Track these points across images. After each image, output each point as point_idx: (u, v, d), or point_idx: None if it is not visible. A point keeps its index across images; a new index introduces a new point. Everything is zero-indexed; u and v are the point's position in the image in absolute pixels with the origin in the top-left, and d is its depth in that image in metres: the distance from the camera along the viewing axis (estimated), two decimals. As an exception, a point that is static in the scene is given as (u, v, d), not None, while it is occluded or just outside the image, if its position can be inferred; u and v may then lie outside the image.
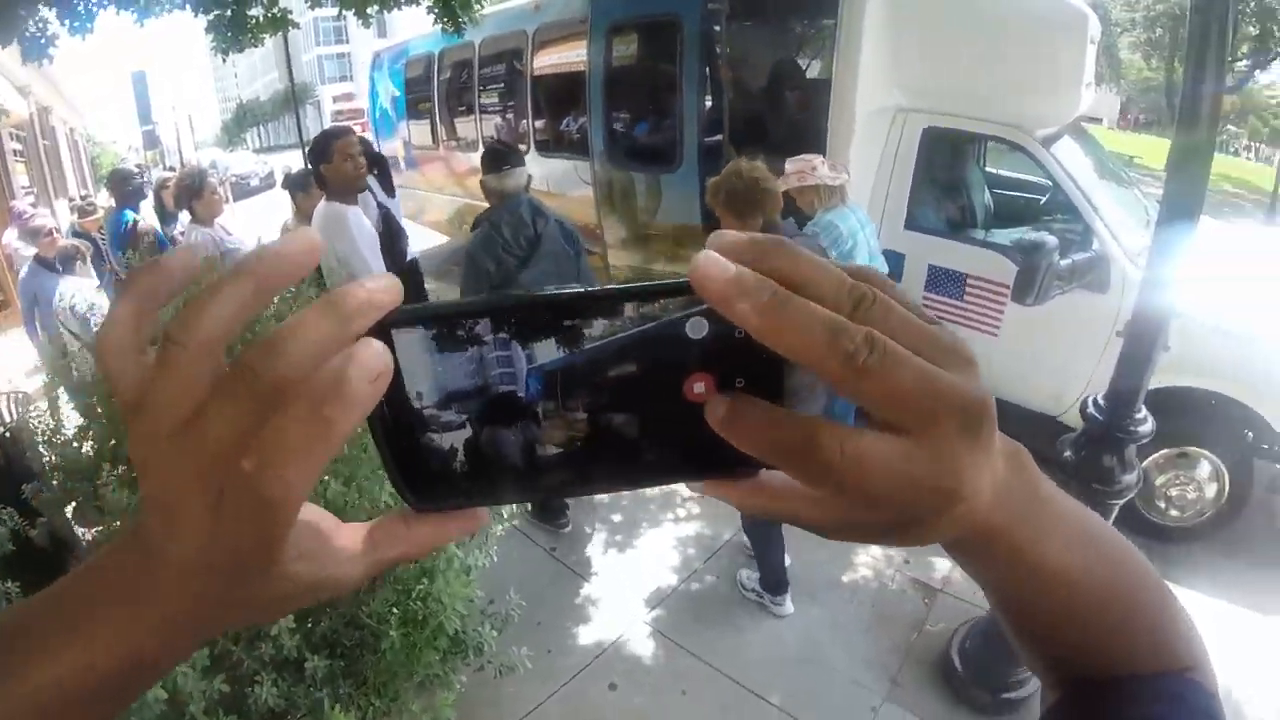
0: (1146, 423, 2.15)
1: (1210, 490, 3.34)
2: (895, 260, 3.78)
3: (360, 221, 3.04)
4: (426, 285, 4.31)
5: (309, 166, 3.37)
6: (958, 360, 0.26)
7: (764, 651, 2.82)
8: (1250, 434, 3.26)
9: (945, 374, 0.25)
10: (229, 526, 0.24)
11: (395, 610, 1.66)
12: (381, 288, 0.25)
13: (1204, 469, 3.34)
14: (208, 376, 0.24)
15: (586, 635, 2.88)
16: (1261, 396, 3.15)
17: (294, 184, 4.10)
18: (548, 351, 0.27)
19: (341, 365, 0.23)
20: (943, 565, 3.15)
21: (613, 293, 0.27)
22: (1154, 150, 22.14)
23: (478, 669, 1.86)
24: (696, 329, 0.27)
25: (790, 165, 3.16)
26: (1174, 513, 3.41)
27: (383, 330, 0.25)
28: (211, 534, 0.25)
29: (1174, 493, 3.38)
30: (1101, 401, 2.20)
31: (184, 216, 4.63)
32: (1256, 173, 23.96)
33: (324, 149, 2.99)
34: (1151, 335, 2.06)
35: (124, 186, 5.13)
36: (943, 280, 3.80)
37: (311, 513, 0.29)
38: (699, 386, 0.28)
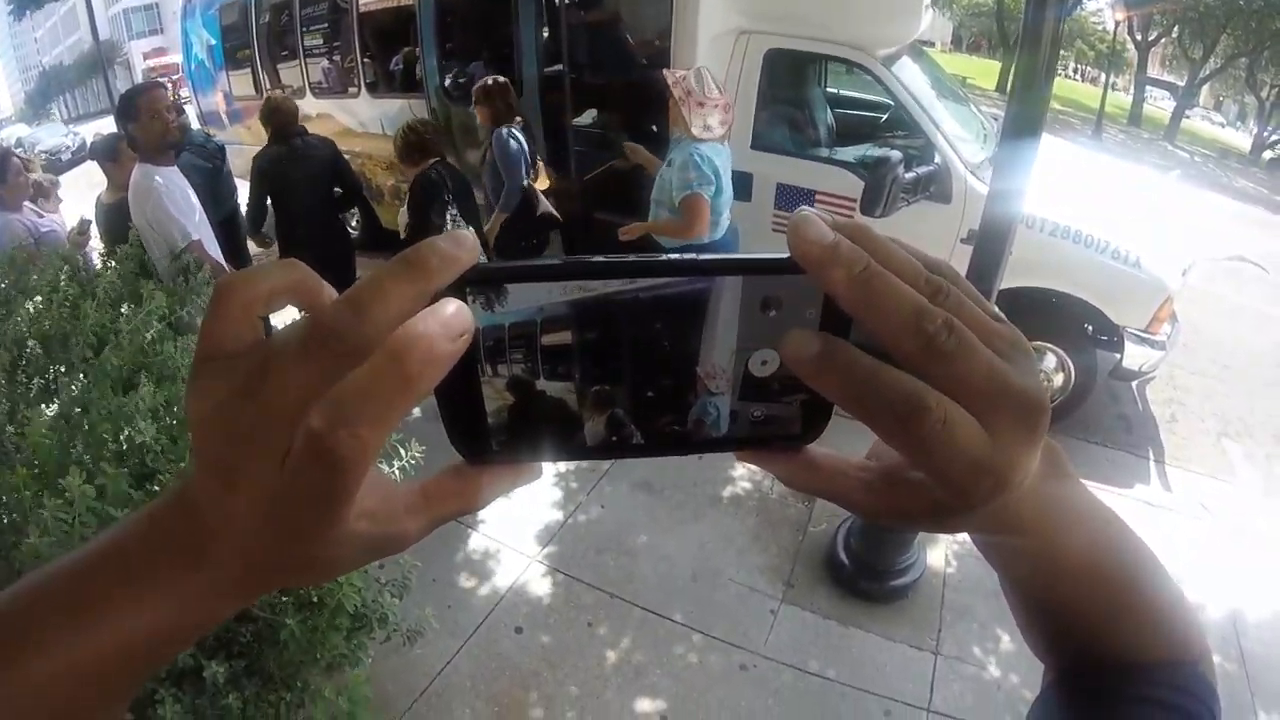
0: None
1: (1058, 380, 3.71)
2: (744, 180, 3.81)
3: (172, 182, 2.84)
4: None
5: (118, 130, 3.12)
6: (1021, 357, 0.27)
7: (660, 572, 2.93)
8: (1090, 327, 3.63)
9: (1012, 369, 0.26)
10: (295, 486, 0.23)
11: (287, 597, 1.57)
12: (462, 246, 0.24)
13: (1050, 361, 3.69)
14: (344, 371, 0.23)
15: (484, 584, 2.87)
16: (1098, 293, 3.49)
17: (100, 153, 3.60)
18: (616, 315, 0.27)
19: (425, 324, 0.23)
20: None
21: (697, 263, 0.27)
22: (984, 72, 23.65)
23: (384, 640, 1.81)
24: (769, 306, 0.27)
25: (693, 80, 2.90)
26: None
27: (459, 288, 0.25)
28: (274, 494, 0.24)
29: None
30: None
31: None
32: (1083, 93, 26.14)
33: (129, 108, 2.79)
34: (1000, 242, 2.21)
35: None
36: (791, 197, 3.90)
37: (370, 471, 0.28)
38: (765, 361, 0.28)
